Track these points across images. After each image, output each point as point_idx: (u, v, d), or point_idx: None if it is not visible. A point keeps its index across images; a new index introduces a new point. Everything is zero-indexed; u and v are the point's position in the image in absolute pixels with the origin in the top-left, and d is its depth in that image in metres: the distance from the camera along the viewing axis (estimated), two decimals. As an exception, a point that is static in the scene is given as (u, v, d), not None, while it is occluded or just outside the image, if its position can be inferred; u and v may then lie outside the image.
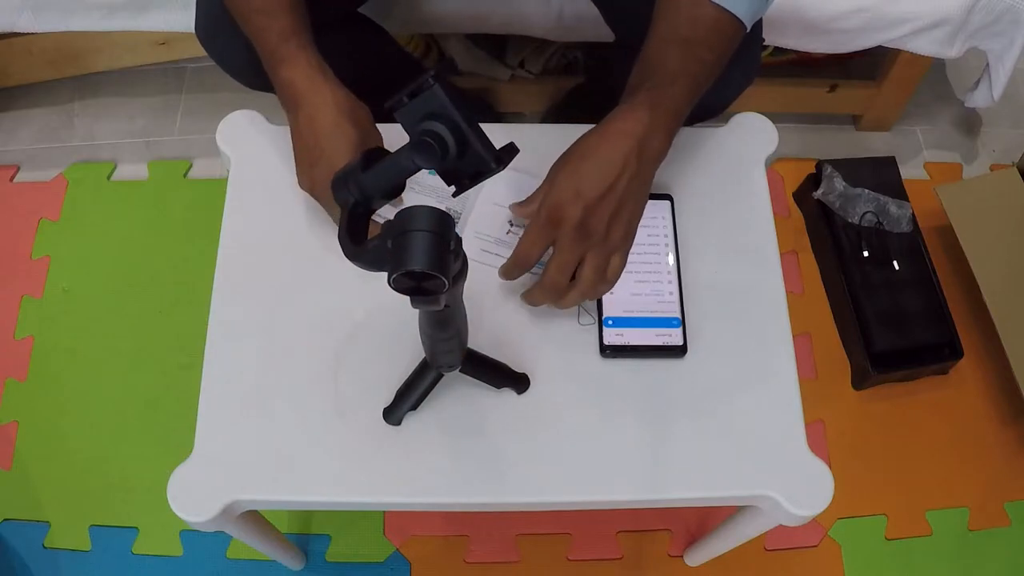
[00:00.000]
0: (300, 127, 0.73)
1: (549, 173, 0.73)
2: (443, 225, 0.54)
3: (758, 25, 0.89)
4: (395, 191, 0.64)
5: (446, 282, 0.54)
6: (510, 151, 0.59)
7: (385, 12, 1.20)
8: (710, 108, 0.93)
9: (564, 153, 0.72)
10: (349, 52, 0.99)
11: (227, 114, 0.87)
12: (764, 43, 0.95)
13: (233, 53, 0.84)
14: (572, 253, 0.70)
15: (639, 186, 0.70)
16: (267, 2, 0.73)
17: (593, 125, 0.72)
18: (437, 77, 0.56)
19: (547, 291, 0.72)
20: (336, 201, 0.64)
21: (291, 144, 0.77)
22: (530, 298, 0.75)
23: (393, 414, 0.73)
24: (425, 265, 0.52)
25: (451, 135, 0.57)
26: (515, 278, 0.75)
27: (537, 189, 0.74)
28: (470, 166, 0.58)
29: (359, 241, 0.60)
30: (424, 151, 0.57)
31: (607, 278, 0.72)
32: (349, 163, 0.64)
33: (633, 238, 0.73)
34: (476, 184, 0.59)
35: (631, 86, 0.73)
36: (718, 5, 0.72)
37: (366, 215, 0.63)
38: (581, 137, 0.72)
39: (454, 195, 0.61)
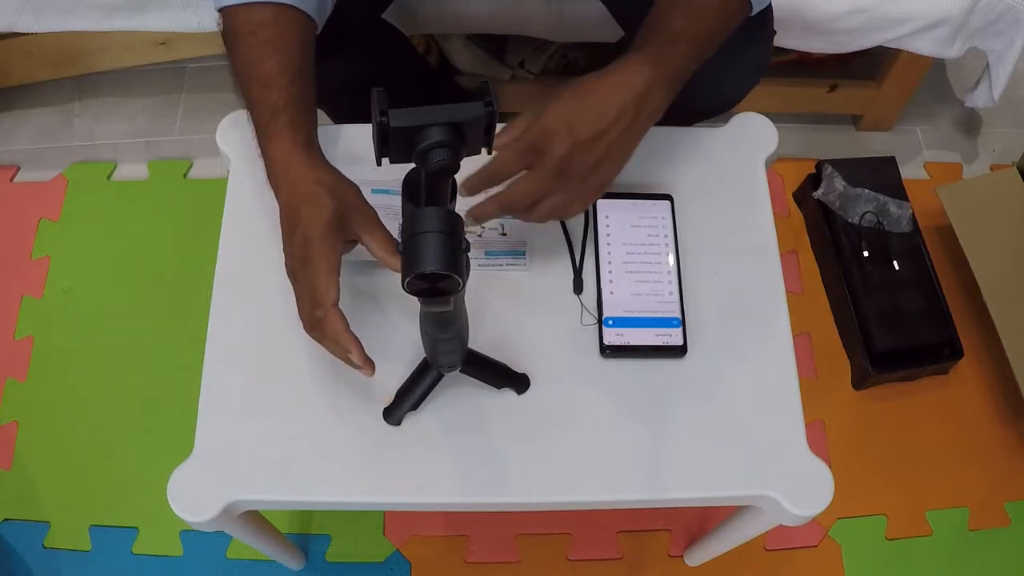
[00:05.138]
0: (281, 204, 0.70)
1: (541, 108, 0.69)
2: (453, 225, 0.54)
3: (769, 22, 0.89)
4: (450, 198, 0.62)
5: (461, 281, 0.54)
6: (482, 89, 0.57)
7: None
8: (720, 104, 0.93)
9: (561, 89, 0.69)
10: (374, 59, 0.99)
11: (227, 114, 0.87)
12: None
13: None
14: (545, 185, 0.69)
15: (629, 138, 0.70)
16: (267, 73, 0.71)
17: None
18: (385, 114, 0.54)
19: (503, 208, 0.70)
20: None
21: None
22: (480, 211, 0.71)
23: (393, 414, 0.73)
24: (440, 266, 0.52)
25: (439, 132, 0.55)
26: (475, 193, 0.70)
27: (519, 117, 0.70)
28: (475, 128, 0.57)
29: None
30: (439, 167, 0.55)
31: (562, 217, 0.73)
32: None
33: (604, 190, 0.73)
34: (492, 136, 0.58)
35: (635, 44, 0.72)
36: None
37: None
38: (580, 79, 0.70)
39: (489, 153, 0.59)
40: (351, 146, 0.86)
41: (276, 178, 0.70)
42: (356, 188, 0.70)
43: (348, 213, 0.68)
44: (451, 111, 0.55)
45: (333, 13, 0.78)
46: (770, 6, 0.86)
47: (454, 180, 0.60)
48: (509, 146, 0.68)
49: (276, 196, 0.71)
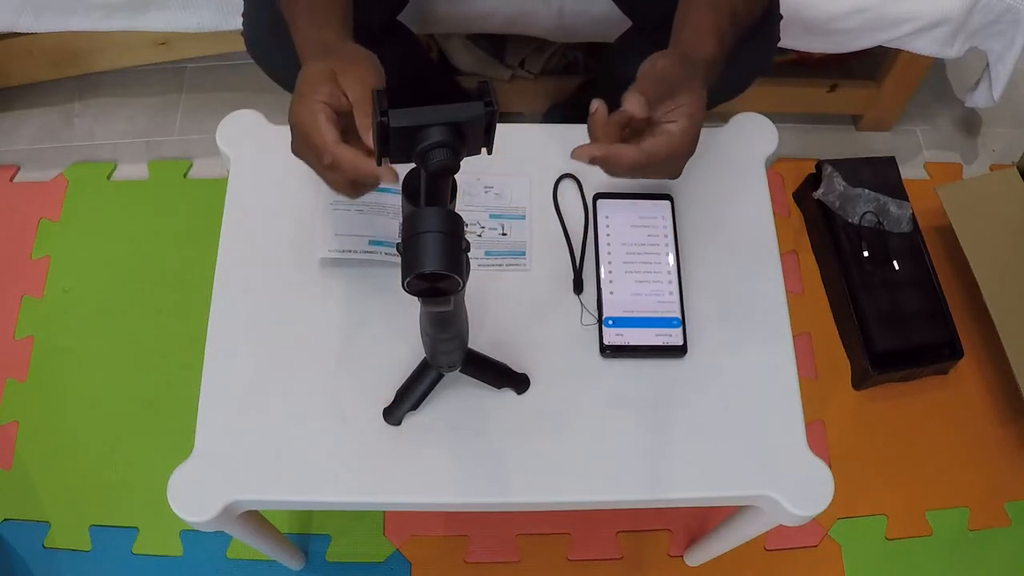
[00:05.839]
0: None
1: (682, 75, 0.68)
2: (454, 225, 0.54)
3: (776, 3, 0.89)
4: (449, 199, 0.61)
5: (461, 281, 0.54)
6: (482, 89, 0.56)
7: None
8: (727, 91, 0.93)
9: (690, 67, 0.69)
10: (390, 61, 0.99)
11: (227, 114, 0.87)
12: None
13: (278, 59, 0.81)
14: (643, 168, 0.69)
15: None
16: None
17: None
18: (385, 114, 0.53)
19: (660, 173, 0.70)
20: None
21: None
22: (583, 152, 0.68)
23: (393, 414, 0.73)
24: (439, 266, 0.53)
25: (439, 132, 0.55)
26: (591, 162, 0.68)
27: (637, 91, 0.67)
28: (475, 128, 0.57)
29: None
30: (440, 168, 0.55)
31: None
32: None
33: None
34: (492, 135, 0.58)
35: (719, 27, 0.72)
36: None
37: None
38: (692, 63, 0.70)
39: (489, 153, 0.59)
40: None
41: (299, 56, 0.69)
42: (361, 53, 0.67)
43: (340, 68, 0.65)
44: (451, 111, 0.55)
45: (353, 15, 0.77)
46: None
47: (454, 180, 0.60)
48: (679, 135, 0.67)
49: None
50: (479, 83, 0.56)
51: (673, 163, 0.69)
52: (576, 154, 0.67)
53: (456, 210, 0.57)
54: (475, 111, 0.55)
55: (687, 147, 0.68)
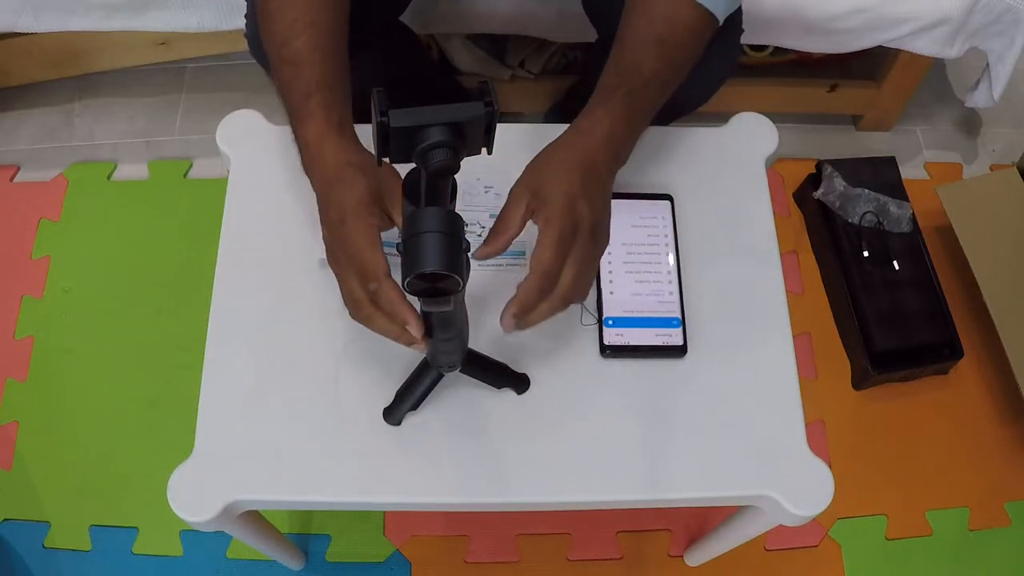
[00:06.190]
0: (315, 189, 0.69)
1: (533, 185, 0.67)
2: (454, 225, 0.54)
3: (738, 14, 0.88)
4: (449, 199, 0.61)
5: (461, 281, 0.54)
6: (482, 89, 0.56)
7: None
8: (691, 100, 0.93)
9: (546, 163, 0.68)
10: (393, 61, 0.98)
11: (227, 114, 0.87)
12: (764, 44, 0.94)
13: None
14: (594, 261, 0.67)
15: (609, 189, 0.70)
16: (297, 52, 0.69)
17: None
18: (385, 114, 0.53)
19: (564, 302, 0.66)
20: None
21: (291, 143, 0.75)
22: (534, 318, 0.66)
23: (393, 414, 0.74)
24: (440, 266, 0.53)
25: (439, 132, 0.54)
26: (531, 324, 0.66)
27: (509, 208, 0.68)
28: (475, 128, 0.57)
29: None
30: (440, 168, 0.55)
31: (588, 283, 0.68)
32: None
33: (607, 242, 0.70)
34: (492, 135, 0.57)
35: (606, 86, 0.72)
36: (696, 3, 0.71)
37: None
38: (561, 142, 0.69)
39: (489, 153, 0.59)
40: (366, 146, 0.86)
41: (309, 162, 0.69)
42: (390, 167, 0.68)
43: (381, 189, 0.67)
44: (451, 111, 0.55)
45: (354, 15, 0.77)
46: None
47: (454, 180, 0.60)
48: (548, 245, 0.64)
49: (310, 181, 0.70)
50: (479, 83, 0.56)
51: (581, 245, 0.65)
52: (505, 326, 0.65)
53: (456, 210, 0.57)
54: (475, 111, 0.55)
55: (563, 225, 0.64)
